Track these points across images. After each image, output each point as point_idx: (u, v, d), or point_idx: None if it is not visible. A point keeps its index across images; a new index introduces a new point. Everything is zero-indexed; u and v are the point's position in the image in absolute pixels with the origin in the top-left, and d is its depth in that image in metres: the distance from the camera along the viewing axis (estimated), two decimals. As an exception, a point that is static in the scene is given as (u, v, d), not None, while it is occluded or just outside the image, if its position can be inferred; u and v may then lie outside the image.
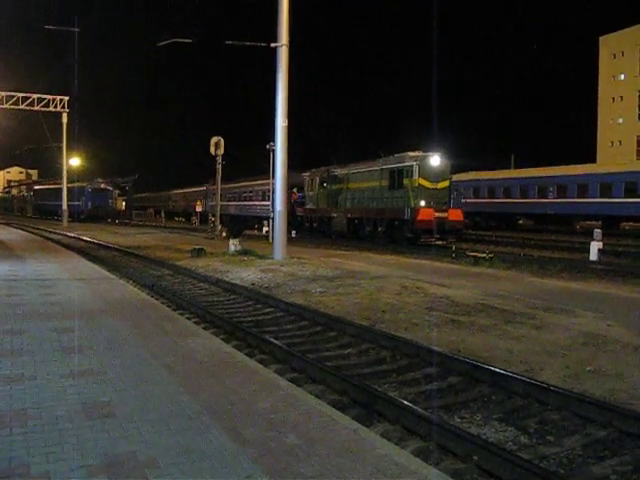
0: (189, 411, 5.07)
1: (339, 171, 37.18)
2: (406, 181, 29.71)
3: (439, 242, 29.11)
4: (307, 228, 40.16)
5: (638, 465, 5.21)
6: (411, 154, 30.42)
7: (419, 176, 29.11)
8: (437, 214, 28.28)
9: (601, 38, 65.61)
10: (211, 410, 5.11)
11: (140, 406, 5.18)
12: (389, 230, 30.95)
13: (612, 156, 60.68)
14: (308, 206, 40.41)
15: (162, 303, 12.49)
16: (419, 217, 28.13)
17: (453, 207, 29.72)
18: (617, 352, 8.62)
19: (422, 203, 28.65)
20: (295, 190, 40.80)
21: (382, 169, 32.10)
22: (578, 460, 5.35)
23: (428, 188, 29.13)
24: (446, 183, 29.91)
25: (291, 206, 42.00)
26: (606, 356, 8.43)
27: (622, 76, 63.65)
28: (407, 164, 29.98)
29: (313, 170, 40.65)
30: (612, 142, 63.79)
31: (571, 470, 5.16)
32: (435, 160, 29.54)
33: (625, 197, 36.99)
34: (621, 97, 63.68)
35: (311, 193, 39.86)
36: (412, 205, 28.74)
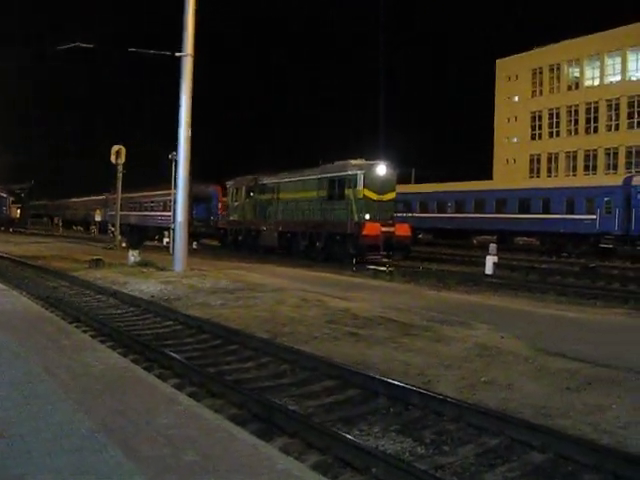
0: (84, 429, 4.91)
1: (269, 180, 34.31)
2: (348, 192, 27.30)
3: (385, 260, 26.58)
4: (230, 242, 37.27)
5: (526, 471, 5.43)
6: (354, 162, 28.12)
7: (364, 186, 26.72)
8: (384, 229, 25.90)
9: (497, 61, 68.49)
10: (107, 428, 4.97)
11: (32, 425, 4.97)
12: (328, 246, 28.12)
13: (507, 173, 63.21)
14: (232, 218, 37.46)
15: (57, 316, 12.08)
16: (364, 232, 25.54)
17: (399, 221, 27.58)
18: (510, 363, 8.95)
19: (367, 216, 26.23)
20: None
21: (320, 178, 29.53)
22: (472, 468, 5.51)
23: (373, 200, 26.78)
24: (392, 195, 27.73)
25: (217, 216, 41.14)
26: (499, 367, 8.74)
27: (516, 98, 66.57)
28: (350, 173, 27.51)
29: (237, 178, 37.88)
30: (507, 160, 66.50)
31: (464, 478, 5.32)
32: (381, 169, 27.21)
33: (519, 213, 38.60)
34: (515, 117, 66.56)
35: (236, 204, 36.90)
36: (355, 218, 26.32)
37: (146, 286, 17.49)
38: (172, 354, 9.11)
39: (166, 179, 32.20)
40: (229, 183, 38.43)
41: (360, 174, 26.87)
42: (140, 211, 51.65)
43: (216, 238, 46.08)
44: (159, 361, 9.00)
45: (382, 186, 27.07)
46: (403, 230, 26.77)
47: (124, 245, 35.38)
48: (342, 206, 27.37)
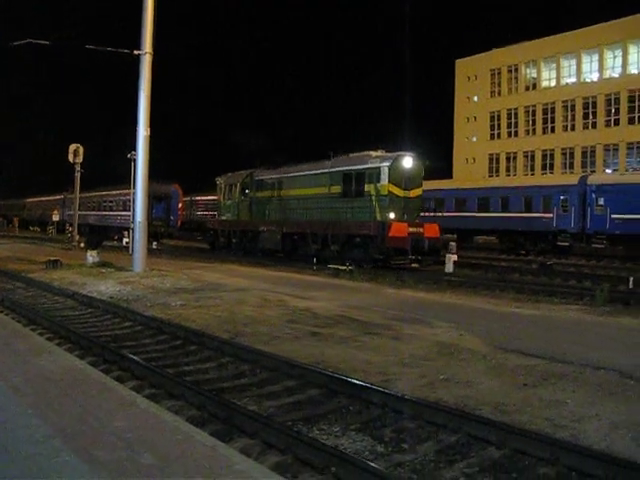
0: (38, 435, 4.81)
1: (267, 175, 31.16)
2: (369, 187, 24.30)
3: (414, 265, 24.04)
4: (223, 244, 33.92)
5: (484, 467, 5.49)
6: (374, 153, 25.15)
7: (389, 181, 23.71)
8: (411, 229, 23.05)
9: (457, 61, 69.27)
10: (62, 432, 4.88)
11: (-17, 431, 4.87)
12: (346, 249, 24.98)
13: (467, 172, 63.88)
14: (224, 218, 34.33)
15: (12, 318, 11.92)
16: (391, 233, 22.53)
17: (427, 221, 24.75)
18: (468, 360, 9.04)
19: (391, 215, 23.38)
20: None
21: (332, 172, 26.35)
22: (430, 465, 5.54)
23: (399, 196, 23.83)
24: (419, 191, 24.72)
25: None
26: (458, 364, 8.83)
27: (475, 98, 67.39)
28: (372, 166, 24.40)
29: (229, 174, 34.57)
30: (467, 159, 67.23)
31: (424, 475, 5.36)
32: (408, 161, 24.05)
33: (478, 212, 39.04)
34: (475, 117, 67.36)
35: (229, 202, 33.71)
36: (379, 218, 23.46)
37: (105, 287, 17.28)
38: (131, 356, 9.01)
39: (125, 179, 31.81)
40: (219, 179, 35.39)
41: (384, 167, 23.92)
42: (99, 211, 51.06)
43: (176, 237, 45.75)
44: (117, 363, 8.89)
45: (408, 181, 24.03)
46: (433, 231, 23.88)
47: (82, 245, 34.91)
48: (362, 204, 24.52)
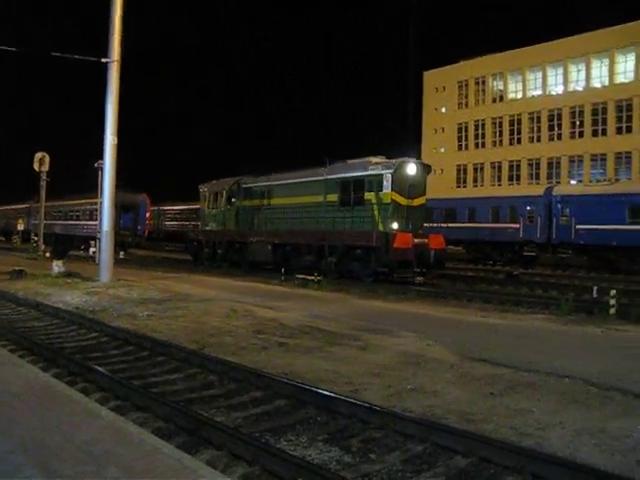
0: (-1, 450, 4.74)
1: (256, 183, 29.62)
2: (370, 195, 23.01)
3: (419, 278, 23.14)
4: (207, 256, 31.99)
5: (450, 475, 5.51)
6: (374, 159, 23.81)
7: (392, 189, 22.33)
8: (416, 240, 21.86)
9: (425, 73, 70.04)
10: (25, 447, 4.79)
11: (-59, 447, 4.76)
12: (344, 261, 23.81)
13: (435, 183, 64.36)
14: (208, 228, 32.60)
15: (-26, 330, 11.68)
16: (396, 244, 21.27)
17: (432, 231, 24.02)
18: (435, 370, 9.08)
19: (395, 225, 22.20)
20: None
21: (327, 179, 24.95)
22: (397, 475, 5.54)
23: (402, 205, 22.49)
24: (422, 199, 23.40)
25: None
26: (425, 374, 8.86)
27: (443, 109, 68.11)
28: (372, 173, 23.05)
29: (213, 182, 32.92)
30: (435, 170, 67.78)
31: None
32: (412, 168, 22.73)
33: (445, 222, 39.30)
34: (443, 128, 68.05)
35: (214, 211, 32.07)
36: (381, 228, 22.31)
37: (70, 297, 17.07)
38: (96, 367, 8.89)
39: (92, 188, 31.44)
40: (203, 187, 33.58)
41: (387, 174, 22.50)
42: (65, 220, 50.40)
43: (144, 247, 45.37)
44: (83, 375, 8.76)
45: (412, 189, 22.70)
46: (438, 242, 22.78)
47: (48, 255, 34.46)
48: (362, 213, 23.31)
